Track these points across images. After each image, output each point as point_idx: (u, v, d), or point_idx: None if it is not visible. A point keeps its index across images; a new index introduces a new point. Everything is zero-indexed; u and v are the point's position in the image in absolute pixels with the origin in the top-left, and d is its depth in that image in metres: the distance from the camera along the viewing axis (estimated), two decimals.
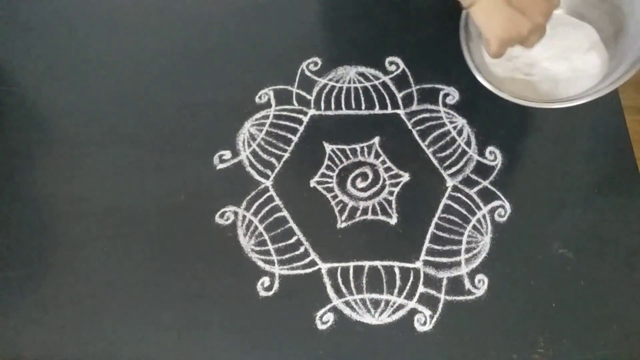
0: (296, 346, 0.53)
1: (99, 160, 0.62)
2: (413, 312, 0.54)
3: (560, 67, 0.58)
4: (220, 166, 0.61)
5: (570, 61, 0.58)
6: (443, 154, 0.60)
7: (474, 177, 0.59)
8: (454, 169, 0.60)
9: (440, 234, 0.57)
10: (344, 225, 0.58)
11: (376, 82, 0.64)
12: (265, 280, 0.55)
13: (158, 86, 0.66)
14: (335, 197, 0.59)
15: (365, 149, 0.61)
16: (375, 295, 0.54)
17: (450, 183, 0.59)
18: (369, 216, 0.58)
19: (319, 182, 0.60)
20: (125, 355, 0.53)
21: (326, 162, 0.61)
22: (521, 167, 0.59)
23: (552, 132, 0.61)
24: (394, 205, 0.58)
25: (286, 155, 0.61)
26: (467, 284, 0.54)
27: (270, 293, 0.55)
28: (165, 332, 0.54)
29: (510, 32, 0.49)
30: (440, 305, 0.54)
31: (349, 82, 0.65)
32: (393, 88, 0.64)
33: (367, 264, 0.56)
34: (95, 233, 0.58)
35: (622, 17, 0.56)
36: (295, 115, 0.63)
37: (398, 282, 0.55)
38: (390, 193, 0.59)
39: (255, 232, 0.58)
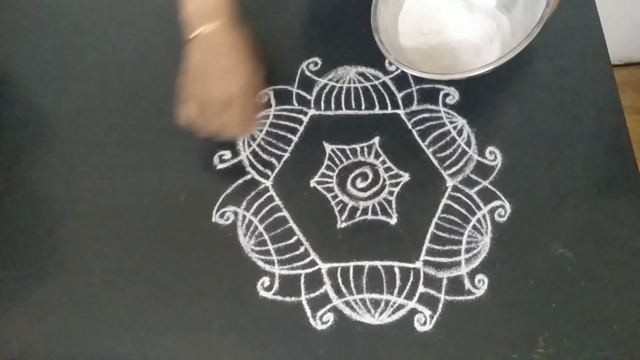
0: (296, 346, 0.53)
1: (99, 160, 0.62)
2: (413, 312, 0.54)
3: (465, 50, 0.61)
4: (220, 166, 0.61)
5: (476, 47, 0.61)
6: (443, 154, 0.60)
7: (474, 177, 0.59)
8: (454, 169, 0.60)
9: (440, 234, 0.57)
10: (344, 225, 0.58)
11: (376, 82, 0.64)
12: (265, 280, 0.55)
13: (158, 86, 0.66)
14: (335, 197, 0.59)
15: (365, 149, 0.61)
16: (375, 295, 0.54)
17: (450, 183, 0.59)
18: (369, 216, 0.58)
19: (319, 182, 0.60)
20: (124, 355, 0.53)
21: (326, 162, 0.61)
22: (521, 167, 0.59)
23: (552, 132, 0.61)
24: (394, 205, 0.58)
25: (286, 155, 0.61)
26: (467, 284, 0.54)
27: (270, 293, 0.55)
28: (165, 332, 0.54)
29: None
30: (440, 305, 0.54)
31: (349, 82, 0.65)
32: (393, 88, 0.64)
33: (367, 264, 0.56)
34: (95, 233, 0.58)
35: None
36: (295, 115, 0.63)
37: (398, 282, 0.55)
38: (390, 193, 0.59)
39: (255, 232, 0.58)
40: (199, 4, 0.54)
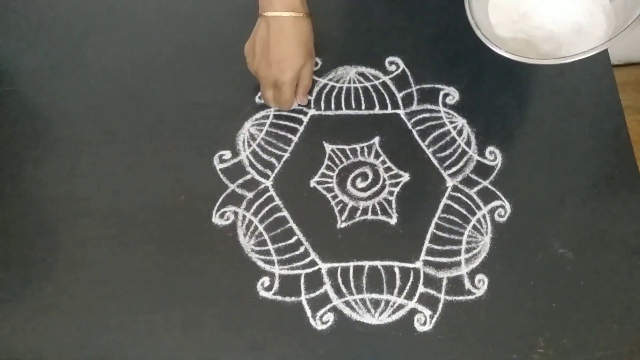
0: (296, 346, 0.53)
1: (99, 160, 0.62)
2: (413, 312, 0.54)
3: (565, 29, 0.56)
4: (220, 166, 0.61)
5: (576, 24, 0.56)
6: (443, 154, 0.60)
7: (474, 177, 0.59)
8: (454, 169, 0.60)
9: (440, 234, 0.57)
10: (344, 225, 0.58)
11: (376, 82, 0.64)
12: (265, 280, 0.55)
13: (158, 86, 0.66)
14: (335, 197, 0.59)
15: (365, 149, 0.61)
16: (375, 295, 0.54)
17: (450, 183, 0.59)
18: (369, 216, 0.58)
19: (319, 182, 0.60)
20: (124, 356, 0.53)
21: (326, 162, 0.61)
22: (521, 167, 0.59)
23: (552, 132, 0.61)
24: (394, 205, 0.58)
25: (286, 155, 0.61)
26: (467, 284, 0.54)
27: (270, 293, 0.55)
28: (165, 332, 0.54)
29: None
30: (440, 305, 0.54)
31: (349, 82, 0.65)
32: (393, 88, 0.64)
33: (367, 264, 0.56)
34: (95, 233, 0.58)
35: None
36: (295, 115, 0.63)
37: (398, 282, 0.55)
38: (390, 193, 0.59)
39: (255, 232, 0.58)
40: None
